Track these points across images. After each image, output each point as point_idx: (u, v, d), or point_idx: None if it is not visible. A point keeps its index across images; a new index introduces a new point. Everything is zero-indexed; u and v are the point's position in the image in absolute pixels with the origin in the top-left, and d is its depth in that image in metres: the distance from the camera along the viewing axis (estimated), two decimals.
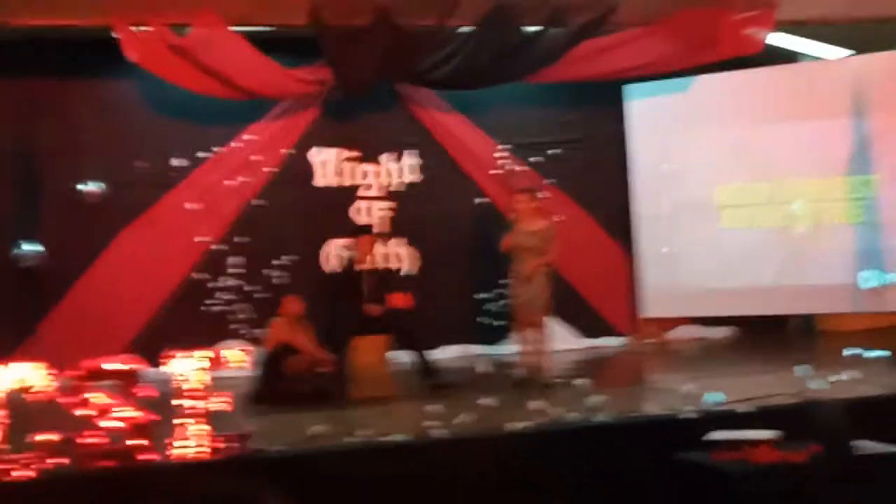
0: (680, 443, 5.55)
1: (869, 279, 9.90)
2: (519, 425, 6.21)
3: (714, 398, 6.32)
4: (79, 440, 5.58)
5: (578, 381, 7.87)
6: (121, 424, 5.71)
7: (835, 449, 4.79)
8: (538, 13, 8.43)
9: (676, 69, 9.47)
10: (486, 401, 7.01)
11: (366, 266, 8.72)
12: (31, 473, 5.39)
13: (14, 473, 5.30)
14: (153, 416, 5.67)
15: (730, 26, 8.76)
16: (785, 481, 4.73)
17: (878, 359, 5.10)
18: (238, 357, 5.95)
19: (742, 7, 8.74)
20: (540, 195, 10.68)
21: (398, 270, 10.74)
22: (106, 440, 5.65)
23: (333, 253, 10.40)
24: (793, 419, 5.59)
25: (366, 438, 6.18)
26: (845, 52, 10.64)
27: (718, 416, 5.97)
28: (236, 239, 10.23)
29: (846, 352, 4.61)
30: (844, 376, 7.01)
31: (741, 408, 6.15)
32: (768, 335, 10.01)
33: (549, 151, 11.05)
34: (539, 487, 5.77)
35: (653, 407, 6.56)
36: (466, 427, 6.41)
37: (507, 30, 8.47)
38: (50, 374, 5.88)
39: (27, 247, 9.50)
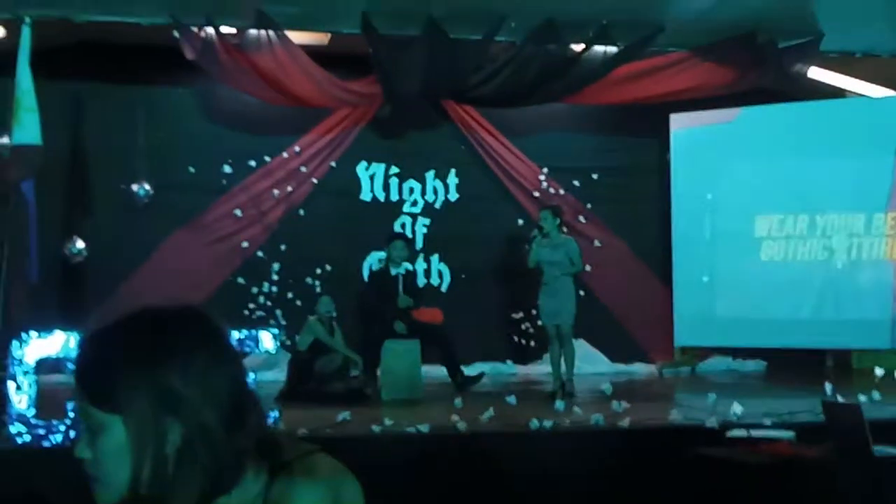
0: (698, 444, 5.62)
1: None
2: (543, 423, 6.32)
3: (736, 409, 6.36)
4: None
5: (607, 395, 7.93)
6: None
7: (851, 449, 4.83)
8: (585, 31, 8.59)
9: (718, 95, 9.56)
10: (512, 399, 7.12)
11: (400, 271, 8.90)
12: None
13: None
14: None
15: (773, 55, 8.84)
16: (801, 476, 4.78)
17: None
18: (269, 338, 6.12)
19: (787, 36, 8.82)
20: (581, 219, 10.95)
21: (436, 287, 10.89)
22: None
23: (375, 266, 10.59)
24: (815, 432, 5.63)
25: (391, 427, 6.33)
26: (890, 91, 10.69)
27: (740, 426, 6.02)
28: (281, 246, 10.45)
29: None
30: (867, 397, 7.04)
31: (765, 421, 6.21)
32: (802, 370, 9.97)
33: (591, 176, 11.18)
34: (559, 484, 5.86)
35: (676, 416, 6.63)
36: (490, 423, 6.53)
37: (553, 46, 8.63)
38: None
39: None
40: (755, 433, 5.32)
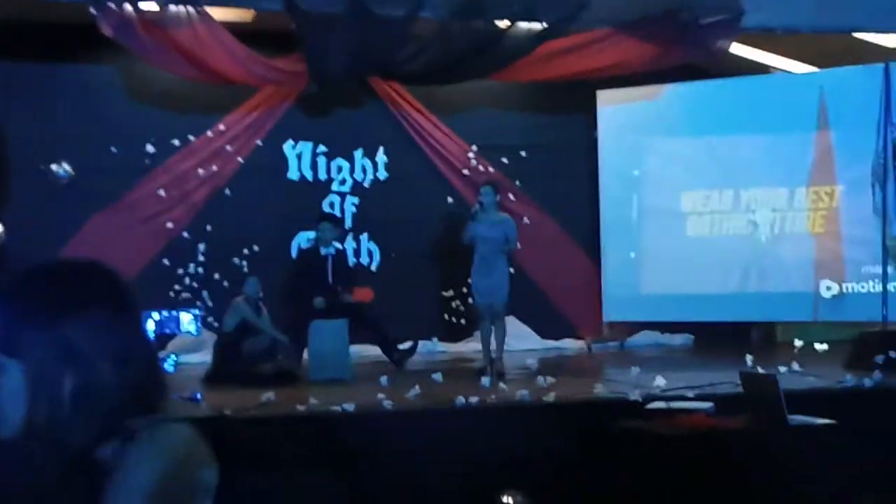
0: (623, 418, 5.68)
1: (829, 288, 10.05)
2: (469, 400, 6.33)
3: (659, 383, 6.44)
4: None
5: (535, 371, 7.98)
6: None
7: (768, 418, 4.91)
8: (509, 7, 8.59)
9: (643, 72, 9.64)
10: (437, 376, 7.12)
11: (330, 252, 8.84)
12: None
13: None
14: None
15: (695, 31, 8.94)
16: (718, 446, 4.85)
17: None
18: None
19: (709, 12, 8.91)
20: (511, 196, 10.97)
21: (366, 266, 10.84)
22: None
23: (304, 244, 10.50)
24: (734, 403, 5.72)
25: (315, 407, 6.29)
26: (812, 67, 10.86)
27: (662, 399, 6.09)
28: (206, 227, 10.30)
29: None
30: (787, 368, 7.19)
31: (686, 393, 6.29)
32: (728, 343, 10.13)
33: (520, 154, 11.20)
34: (484, 460, 5.87)
35: (602, 390, 6.69)
36: (416, 401, 6.53)
37: (479, 23, 8.61)
38: None
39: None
40: (673, 405, 5.39)
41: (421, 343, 10.47)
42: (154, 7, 8.42)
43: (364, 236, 10.94)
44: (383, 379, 7.25)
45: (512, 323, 10.58)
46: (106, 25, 8.18)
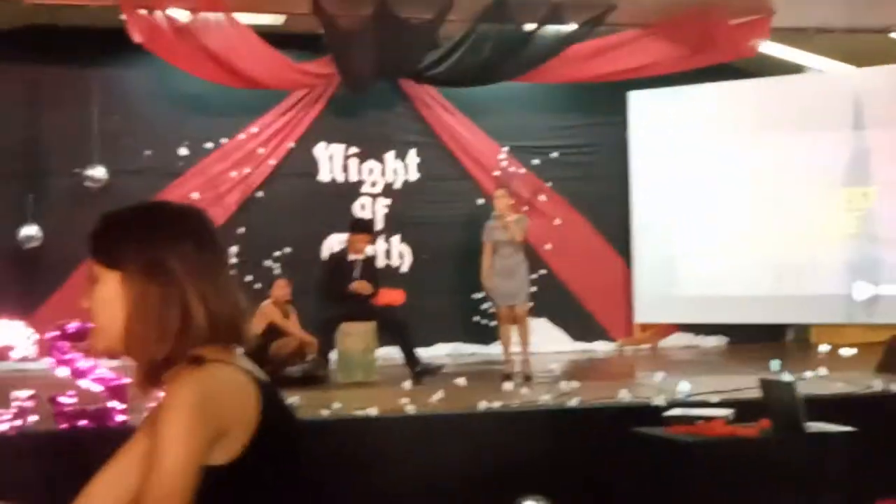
0: (644, 424, 5.65)
1: (863, 290, 9.92)
2: (492, 405, 6.33)
3: (683, 388, 6.40)
4: (56, 399, 5.74)
5: (561, 375, 7.96)
6: (98, 387, 5.87)
7: (786, 425, 4.86)
8: (537, 10, 8.59)
9: (673, 72, 9.58)
10: (461, 381, 7.12)
11: (360, 256, 8.87)
12: (5, 428, 5.56)
13: None
14: (129, 380, 5.80)
15: (726, 31, 8.87)
16: (736, 453, 4.81)
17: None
18: None
19: (739, 12, 8.83)
20: (541, 198, 10.95)
21: (396, 268, 10.87)
22: (82, 401, 5.81)
23: (336, 248, 10.54)
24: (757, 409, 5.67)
25: (339, 411, 6.33)
26: (847, 66, 10.71)
27: (685, 405, 6.05)
28: (238, 230, 10.38)
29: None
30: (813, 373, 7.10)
31: (711, 399, 6.25)
32: (761, 345, 10.04)
33: (551, 155, 11.17)
34: (505, 465, 5.87)
35: (625, 395, 6.65)
36: (439, 405, 6.55)
37: (505, 26, 8.62)
38: (32, 334, 6.06)
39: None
40: (692, 412, 5.35)
41: (452, 346, 10.54)
42: (184, 14, 8.51)
43: (395, 238, 10.97)
44: (407, 383, 7.27)
45: (542, 325, 10.60)
46: (136, 32, 8.29)
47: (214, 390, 1.70)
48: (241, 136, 10.45)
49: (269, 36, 9.39)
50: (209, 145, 10.40)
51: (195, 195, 10.22)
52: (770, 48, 10.06)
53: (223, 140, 10.43)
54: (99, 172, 9.96)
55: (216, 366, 1.73)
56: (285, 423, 1.82)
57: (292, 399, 6.55)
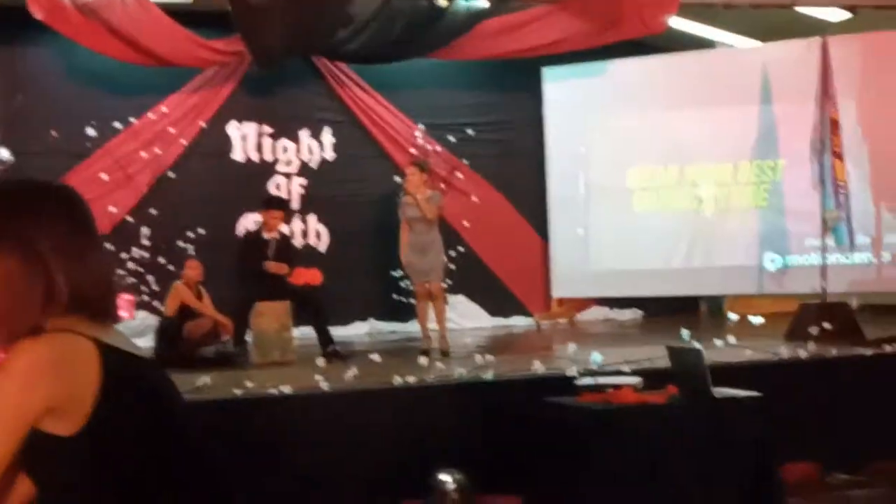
0: (557, 394, 5.69)
1: (773, 261, 10.14)
2: (406, 380, 6.32)
3: (595, 359, 6.47)
4: None
5: (479, 349, 7.99)
6: None
7: (693, 391, 4.94)
8: None
9: (585, 48, 9.65)
10: (375, 356, 7.10)
11: (275, 235, 8.77)
12: None
13: None
14: None
15: (634, 6, 8.96)
16: (644, 420, 4.88)
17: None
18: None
19: None
20: (458, 175, 10.96)
21: (314, 248, 10.79)
22: None
23: (250, 227, 10.41)
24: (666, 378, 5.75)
25: (252, 390, 6.26)
26: (754, 41, 10.91)
27: (597, 374, 6.11)
28: (150, 210, 10.19)
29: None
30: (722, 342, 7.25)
31: (622, 368, 6.33)
32: (676, 318, 10.19)
33: (467, 132, 11.17)
34: (420, 439, 5.87)
35: (539, 367, 6.70)
36: (354, 382, 6.51)
37: (418, 2, 8.57)
38: None
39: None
40: (602, 381, 5.41)
41: (370, 323, 10.52)
42: None
43: (312, 218, 10.88)
44: (320, 360, 7.23)
45: (460, 301, 10.64)
46: (36, 8, 8.06)
47: (46, 359, 1.70)
48: (151, 115, 10.23)
49: (180, 14, 9.21)
50: (117, 125, 10.17)
51: (104, 176, 10.00)
52: (679, 23, 10.19)
53: (132, 119, 10.20)
54: (3, 154, 9.67)
55: (58, 335, 1.73)
56: (145, 398, 1.79)
57: (205, 379, 6.49)
